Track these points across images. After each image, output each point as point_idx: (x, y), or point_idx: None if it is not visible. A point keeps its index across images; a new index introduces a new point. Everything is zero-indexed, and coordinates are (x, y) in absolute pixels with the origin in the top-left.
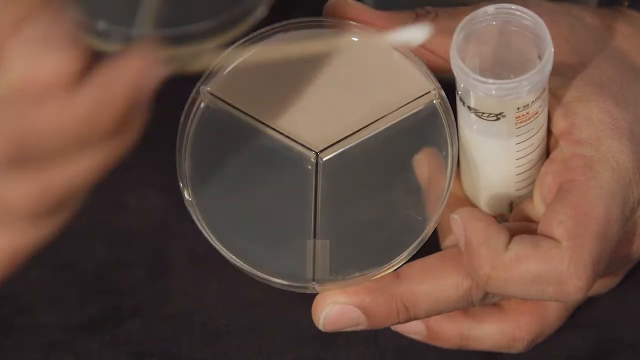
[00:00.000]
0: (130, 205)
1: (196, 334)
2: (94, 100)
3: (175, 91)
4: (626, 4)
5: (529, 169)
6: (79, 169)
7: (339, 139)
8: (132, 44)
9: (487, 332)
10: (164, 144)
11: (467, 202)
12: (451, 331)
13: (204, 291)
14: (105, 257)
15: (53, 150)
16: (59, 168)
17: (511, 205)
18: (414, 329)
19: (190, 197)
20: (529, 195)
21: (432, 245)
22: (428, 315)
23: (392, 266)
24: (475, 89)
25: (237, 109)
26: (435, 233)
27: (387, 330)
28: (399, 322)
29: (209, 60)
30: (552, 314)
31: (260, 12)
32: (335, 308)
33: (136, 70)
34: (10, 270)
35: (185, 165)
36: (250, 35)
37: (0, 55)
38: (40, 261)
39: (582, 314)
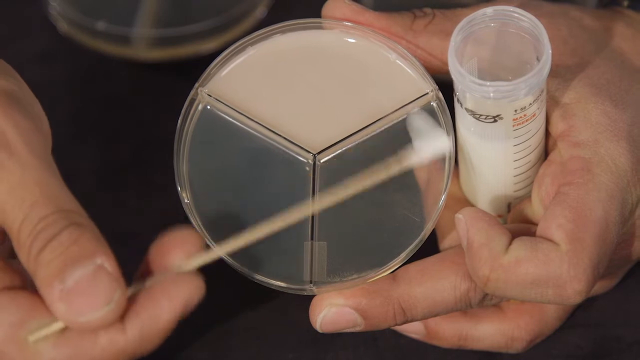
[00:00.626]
0: (130, 206)
1: (196, 334)
2: (143, 332)
3: (175, 91)
4: (626, 4)
5: (526, 171)
6: None
7: (336, 141)
8: (131, 43)
9: (486, 332)
10: (163, 144)
11: (466, 203)
12: (450, 331)
13: (204, 291)
14: None
15: None
16: None
17: (509, 207)
18: (413, 328)
19: (188, 200)
20: (527, 197)
21: (430, 247)
22: (425, 317)
23: (390, 268)
24: (473, 91)
25: (235, 110)
26: (432, 235)
27: (387, 330)
28: (396, 324)
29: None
30: (551, 315)
31: (260, 12)
32: (332, 310)
33: (182, 297)
34: None
35: (183, 167)
36: (248, 37)
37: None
38: None
39: (581, 314)
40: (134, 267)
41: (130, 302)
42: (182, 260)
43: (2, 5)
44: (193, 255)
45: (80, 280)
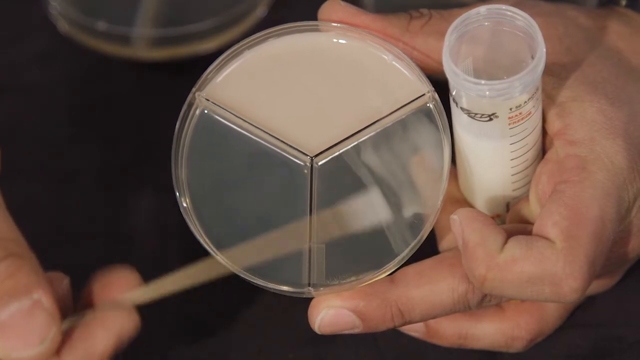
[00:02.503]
0: (130, 206)
1: (196, 334)
2: None
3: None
4: (623, 3)
5: (524, 169)
6: None
7: (333, 143)
8: (131, 43)
9: (486, 331)
10: (163, 144)
11: (464, 203)
12: (450, 330)
13: (204, 291)
14: (105, 257)
15: None
16: None
17: (508, 206)
18: (413, 327)
19: (186, 204)
20: (525, 196)
21: (428, 249)
22: (423, 319)
23: (387, 270)
24: (468, 90)
25: (233, 114)
26: (431, 236)
27: (387, 330)
28: (395, 326)
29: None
30: (551, 314)
31: (260, 12)
32: (330, 312)
33: (116, 329)
34: None
35: (181, 171)
36: (244, 41)
37: None
38: (40, 261)
39: (581, 314)
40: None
41: (66, 334)
42: (120, 296)
43: (2, 5)
44: (131, 293)
45: (15, 315)
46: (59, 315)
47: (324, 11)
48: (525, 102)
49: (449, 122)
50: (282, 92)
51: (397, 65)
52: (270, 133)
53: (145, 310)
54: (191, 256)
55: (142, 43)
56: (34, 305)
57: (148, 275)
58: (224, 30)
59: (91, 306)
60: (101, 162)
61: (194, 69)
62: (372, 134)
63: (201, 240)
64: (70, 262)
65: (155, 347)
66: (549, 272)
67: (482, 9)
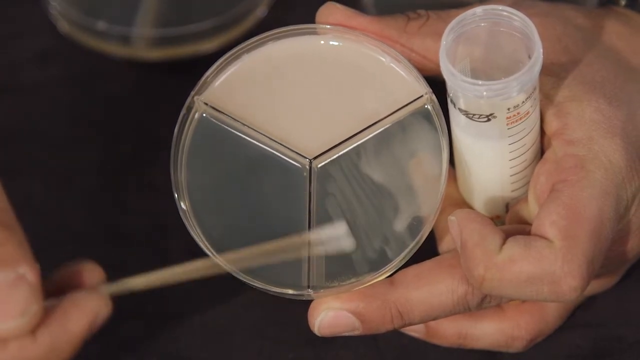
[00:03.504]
0: (130, 205)
1: (196, 334)
2: (52, 342)
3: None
4: (623, 3)
5: (523, 170)
6: None
7: (332, 146)
8: (131, 43)
9: (486, 330)
10: (163, 144)
11: (464, 204)
12: (450, 329)
13: (204, 291)
14: (105, 258)
15: None
16: None
17: (507, 207)
18: (412, 327)
19: (185, 207)
20: (524, 196)
21: (428, 250)
22: (423, 320)
23: (387, 272)
24: (465, 90)
25: (231, 118)
26: (430, 238)
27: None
28: (394, 328)
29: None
30: (551, 314)
31: (260, 11)
32: (330, 314)
33: (90, 311)
34: None
35: (180, 175)
36: (242, 45)
37: None
38: (40, 261)
39: (581, 314)
40: (134, 267)
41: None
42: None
43: (2, 5)
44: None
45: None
46: (41, 292)
47: (321, 14)
48: (523, 102)
49: (447, 123)
50: (281, 95)
51: (394, 67)
52: (269, 136)
53: (145, 310)
54: (191, 257)
55: (142, 43)
56: (19, 279)
57: None
58: (224, 30)
59: (60, 293)
60: (101, 162)
61: (194, 69)
62: (370, 136)
63: (200, 243)
64: (71, 262)
65: (155, 347)
66: (548, 272)
67: (479, 9)
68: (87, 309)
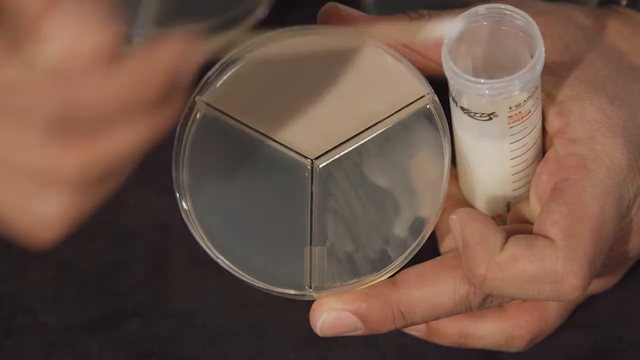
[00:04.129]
0: (130, 205)
1: (196, 334)
2: (137, 72)
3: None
4: (624, 3)
5: (524, 169)
6: (124, 141)
7: (333, 146)
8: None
9: (487, 330)
10: (164, 143)
11: (465, 204)
12: (451, 329)
13: (204, 291)
14: (105, 257)
15: (98, 120)
16: (105, 139)
17: (508, 206)
18: (413, 327)
19: (186, 207)
20: (526, 196)
21: (429, 250)
22: (425, 321)
23: (388, 272)
24: (467, 89)
25: (233, 118)
26: (432, 238)
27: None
28: (396, 328)
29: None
30: (552, 313)
31: (261, 11)
32: (332, 315)
33: (177, 50)
34: (59, 237)
35: (182, 175)
36: (244, 45)
37: (40, 28)
38: (40, 261)
39: (581, 313)
40: (134, 267)
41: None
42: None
43: None
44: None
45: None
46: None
47: (322, 14)
48: (525, 100)
49: (448, 123)
50: (282, 95)
51: (396, 67)
52: (271, 136)
53: (144, 310)
54: (192, 256)
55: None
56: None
57: (148, 275)
58: (224, 30)
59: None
60: None
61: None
62: (372, 136)
63: (202, 243)
64: (71, 262)
65: (155, 347)
66: (550, 271)
67: (481, 8)
68: (175, 46)
